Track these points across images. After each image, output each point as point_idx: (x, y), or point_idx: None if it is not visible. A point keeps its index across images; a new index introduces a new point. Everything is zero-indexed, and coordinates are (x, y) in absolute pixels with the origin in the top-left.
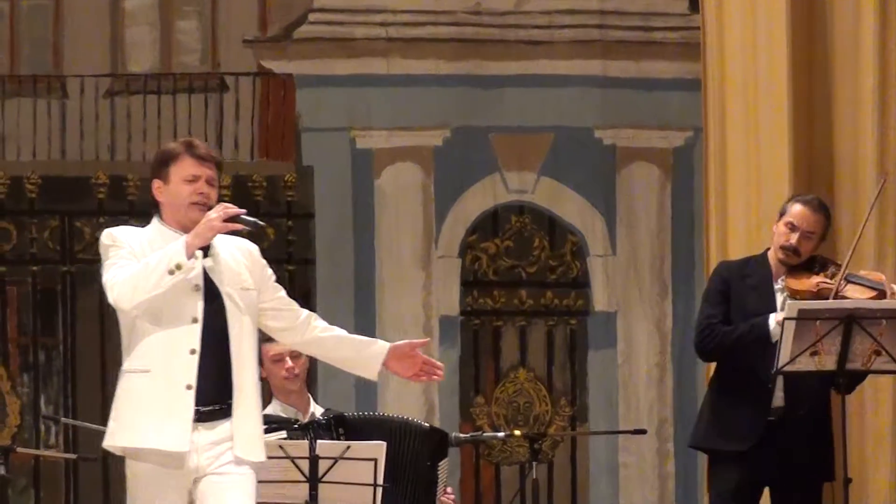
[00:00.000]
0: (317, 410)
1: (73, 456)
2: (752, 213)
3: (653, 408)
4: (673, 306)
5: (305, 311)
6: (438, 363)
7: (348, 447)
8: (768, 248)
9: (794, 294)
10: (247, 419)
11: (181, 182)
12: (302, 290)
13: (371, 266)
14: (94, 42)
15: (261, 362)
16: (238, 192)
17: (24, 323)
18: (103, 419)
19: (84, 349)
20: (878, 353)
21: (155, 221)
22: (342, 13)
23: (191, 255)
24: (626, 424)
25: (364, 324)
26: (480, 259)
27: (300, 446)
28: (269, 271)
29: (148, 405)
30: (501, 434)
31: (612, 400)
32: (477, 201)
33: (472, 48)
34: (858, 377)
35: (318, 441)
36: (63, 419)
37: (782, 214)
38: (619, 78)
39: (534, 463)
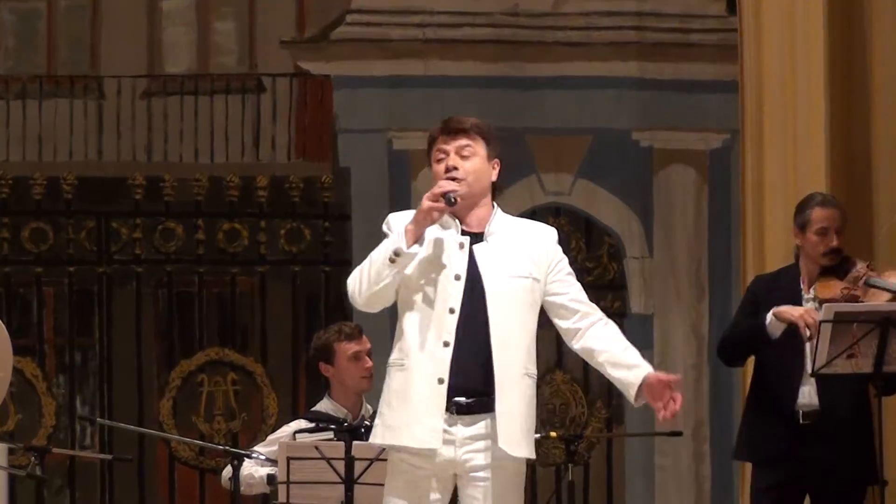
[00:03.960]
0: (367, 412)
1: (108, 456)
2: (789, 214)
3: (689, 410)
4: (710, 308)
5: (597, 315)
6: (678, 398)
7: (384, 449)
8: (798, 260)
9: (823, 302)
10: (510, 414)
11: (435, 163)
12: (338, 292)
13: None
14: (132, 43)
15: (329, 360)
16: (275, 192)
17: (61, 323)
18: (139, 420)
19: (120, 350)
20: None
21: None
22: (379, 14)
23: (413, 242)
24: (662, 426)
25: None
26: None
27: (337, 447)
28: (563, 264)
29: (402, 401)
30: (538, 435)
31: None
32: (514, 203)
33: (510, 50)
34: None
35: (355, 442)
36: (99, 420)
37: (804, 225)
38: (657, 80)
39: (570, 465)
